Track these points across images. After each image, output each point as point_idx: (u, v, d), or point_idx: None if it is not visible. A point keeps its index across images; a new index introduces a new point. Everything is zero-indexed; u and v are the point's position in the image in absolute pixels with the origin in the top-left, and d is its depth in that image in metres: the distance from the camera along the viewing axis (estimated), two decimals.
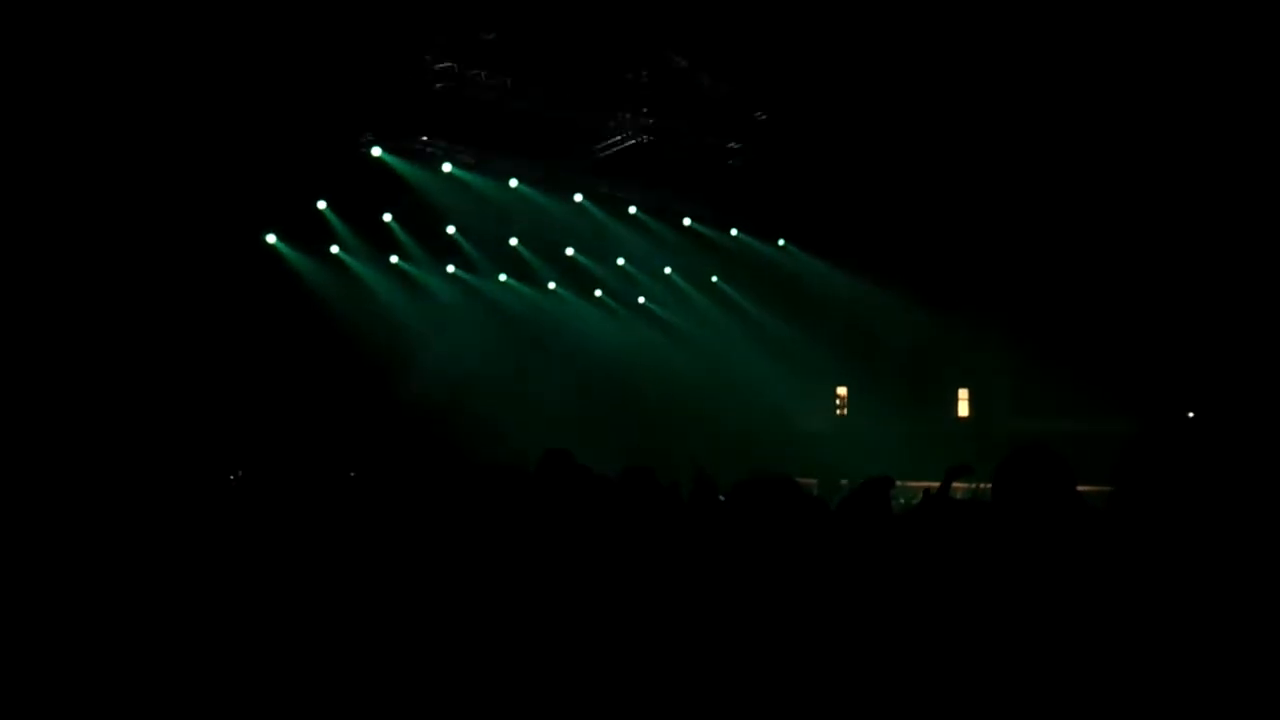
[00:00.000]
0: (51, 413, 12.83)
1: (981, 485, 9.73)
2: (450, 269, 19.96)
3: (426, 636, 4.62)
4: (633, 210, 19.87)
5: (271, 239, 17.35)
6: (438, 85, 16.07)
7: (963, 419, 21.17)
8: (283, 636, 4.80)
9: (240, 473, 9.92)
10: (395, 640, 4.63)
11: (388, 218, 18.43)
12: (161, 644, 4.74)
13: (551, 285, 21.09)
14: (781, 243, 20.82)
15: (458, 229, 19.28)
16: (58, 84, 13.12)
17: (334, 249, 18.21)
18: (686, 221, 20.45)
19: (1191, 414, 17.74)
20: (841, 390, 22.19)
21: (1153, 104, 15.21)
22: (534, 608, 4.56)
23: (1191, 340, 17.04)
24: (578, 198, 19.12)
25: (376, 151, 16.86)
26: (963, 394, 21.20)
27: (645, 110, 17.47)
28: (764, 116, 18.18)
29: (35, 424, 12.17)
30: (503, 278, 20.51)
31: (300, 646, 4.71)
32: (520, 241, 19.93)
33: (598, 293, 21.56)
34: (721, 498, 8.44)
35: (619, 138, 18.10)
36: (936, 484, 6.58)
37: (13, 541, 5.69)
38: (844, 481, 10.59)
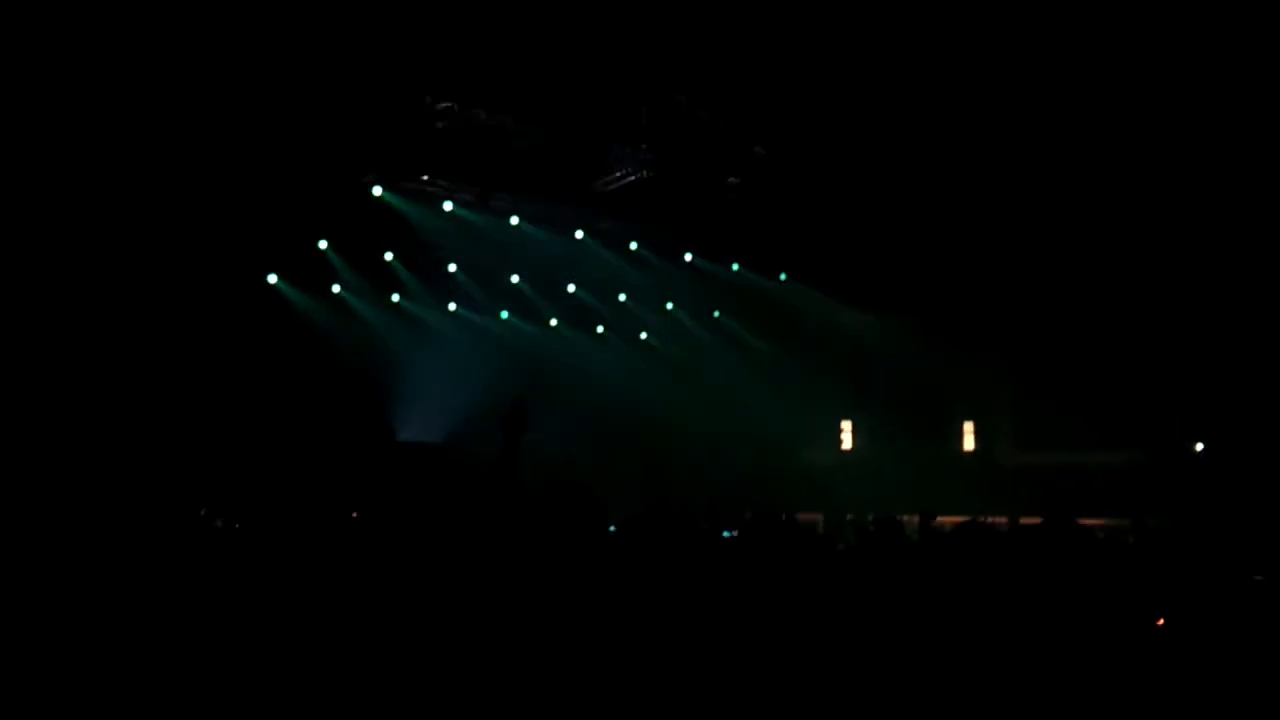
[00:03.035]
0: (53, 449, 12.76)
1: (992, 519, 9.67)
2: (452, 307, 19.93)
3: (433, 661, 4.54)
4: (634, 246, 19.85)
5: (273, 279, 17.33)
6: (438, 124, 16.13)
7: (968, 452, 21.03)
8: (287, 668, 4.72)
9: (235, 516, 9.84)
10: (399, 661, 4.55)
11: (389, 257, 18.42)
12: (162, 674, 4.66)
13: (553, 322, 21.05)
14: (783, 277, 20.79)
15: (459, 267, 19.27)
16: (62, 119, 13.16)
17: (335, 288, 18.20)
18: (688, 257, 20.44)
19: (1199, 445, 17.64)
20: (846, 424, 22.07)
21: (1152, 139, 15.24)
22: (542, 635, 4.48)
23: (1195, 372, 16.97)
24: (579, 234, 19.12)
25: (378, 191, 16.87)
26: (968, 427, 21.07)
27: (645, 146, 17.50)
28: (763, 151, 18.22)
29: (35, 461, 12.11)
30: (505, 315, 20.48)
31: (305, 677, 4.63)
32: (522, 279, 19.90)
33: (600, 329, 21.52)
34: (726, 534, 8.40)
35: (619, 174, 18.12)
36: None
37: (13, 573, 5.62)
38: (850, 517, 10.51)
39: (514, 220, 18.33)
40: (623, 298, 21.13)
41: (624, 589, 4.87)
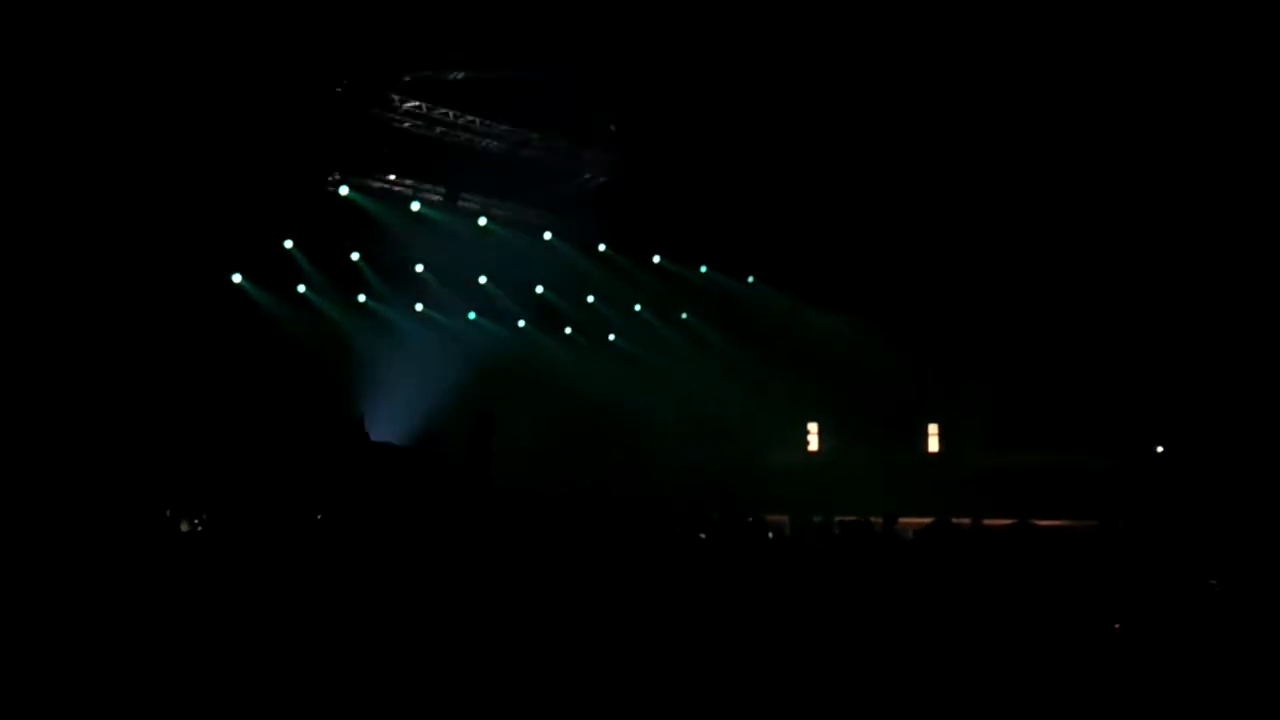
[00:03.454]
0: (14, 451, 12.61)
1: (955, 521, 9.74)
2: (419, 307, 19.84)
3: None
4: (602, 248, 19.88)
5: (238, 278, 17.18)
6: (405, 124, 16.07)
7: (932, 454, 21.16)
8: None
9: (202, 516, 9.76)
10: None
11: (355, 256, 18.30)
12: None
13: (521, 323, 21.00)
14: (751, 279, 20.87)
15: (426, 267, 19.18)
16: (22, 119, 13.00)
17: (301, 288, 18.05)
18: (656, 259, 20.48)
19: (1161, 449, 17.85)
20: (813, 426, 22.15)
21: (1116, 146, 15.42)
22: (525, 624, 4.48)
23: (1159, 376, 17.17)
24: (547, 235, 19.11)
25: (344, 190, 16.78)
26: (932, 429, 21.21)
27: (613, 148, 17.52)
28: (733, 155, 18.25)
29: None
30: (472, 316, 20.41)
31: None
32: (489, 280, 19.84)
33: (568, 330, 21.49)
34: (702, 535, 8.43)
35: (588, 176, 18.12)
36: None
37: None
38: (817, 519, 10.52)
39: (482, 221, 18.29)
40: (591, 299, 21.12)
41: (597, 587, 4.87)
